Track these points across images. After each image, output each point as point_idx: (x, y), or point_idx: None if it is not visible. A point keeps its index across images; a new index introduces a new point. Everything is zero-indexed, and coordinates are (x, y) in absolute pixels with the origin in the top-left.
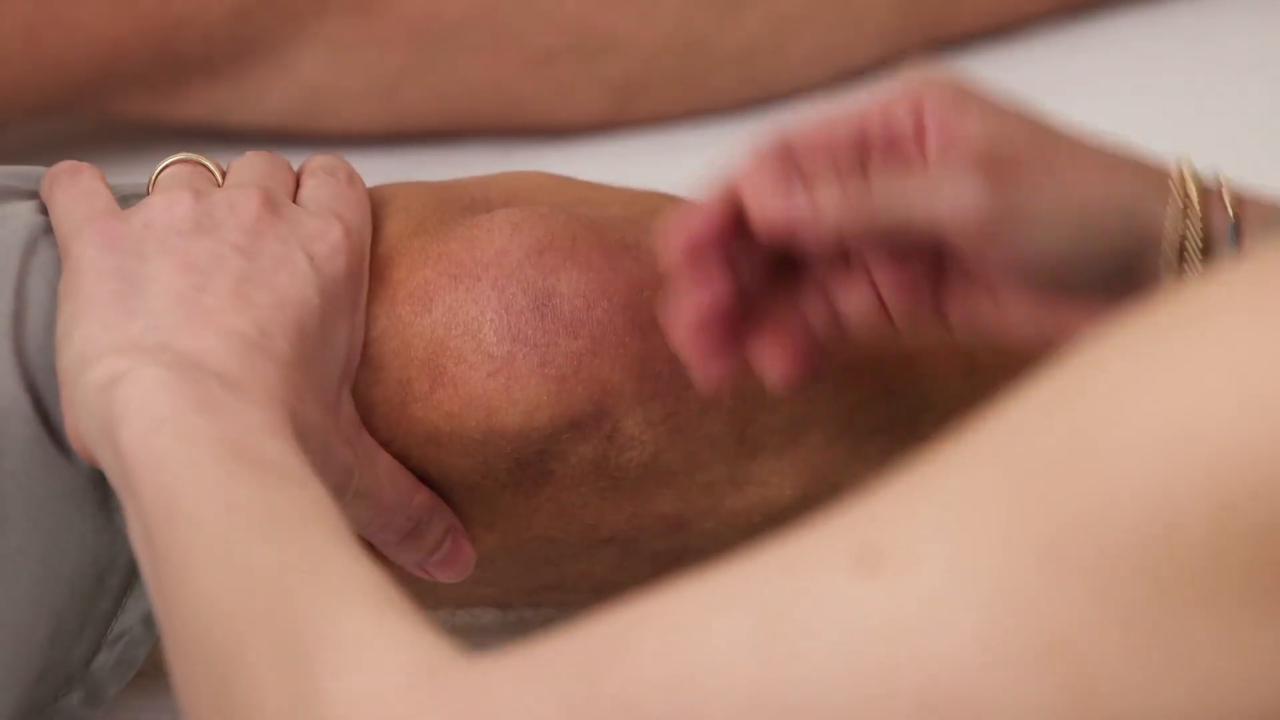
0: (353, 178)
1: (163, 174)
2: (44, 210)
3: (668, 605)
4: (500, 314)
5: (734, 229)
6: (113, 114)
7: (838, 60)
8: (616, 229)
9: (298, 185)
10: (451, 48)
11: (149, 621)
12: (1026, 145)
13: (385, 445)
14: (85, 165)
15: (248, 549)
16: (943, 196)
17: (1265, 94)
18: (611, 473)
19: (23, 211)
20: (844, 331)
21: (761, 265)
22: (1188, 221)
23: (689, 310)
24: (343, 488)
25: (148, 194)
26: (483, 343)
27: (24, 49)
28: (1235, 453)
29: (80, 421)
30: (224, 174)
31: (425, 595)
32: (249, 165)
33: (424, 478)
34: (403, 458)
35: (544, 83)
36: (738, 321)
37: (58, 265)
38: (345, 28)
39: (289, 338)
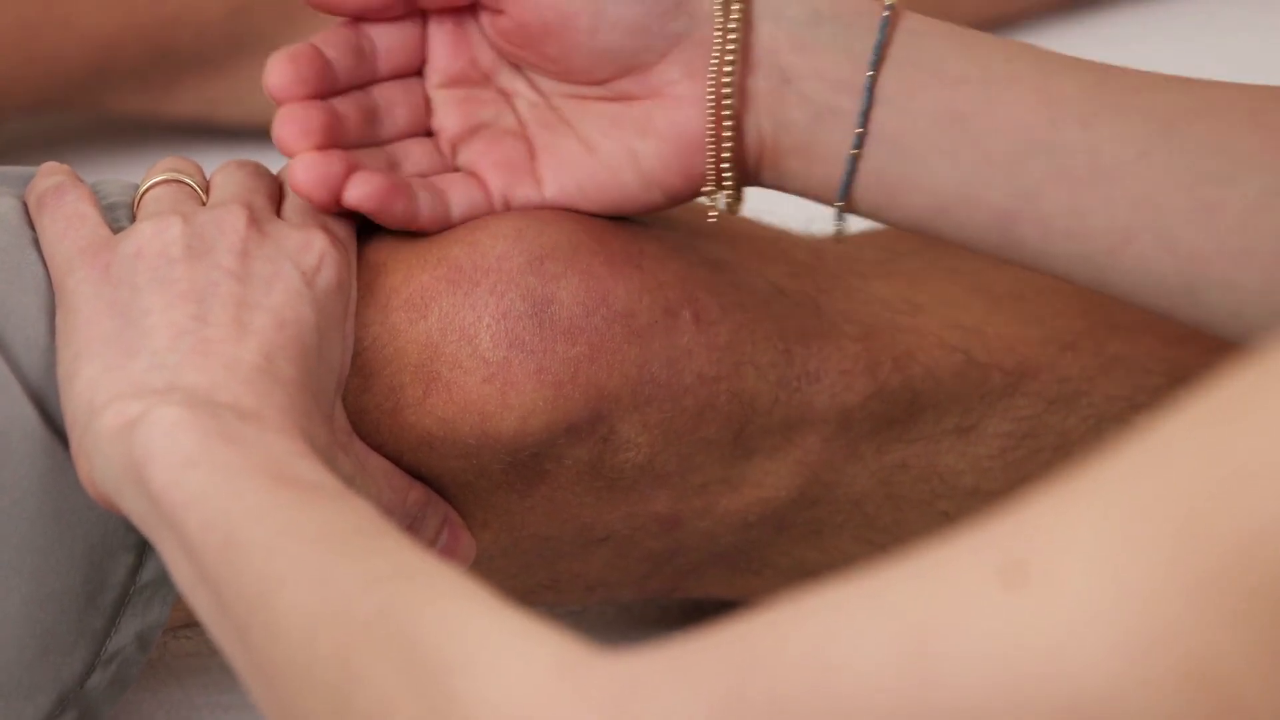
0: None
1: (147, 196)
2: (29, 213)
3: (817, 610)
4: (498, 320)
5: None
6: (107, 111)
7: None
8: (622, 238)
9: (282, 194)
10: None
11: (143, 640)
12: None
13: (376, 449)
14: (69, 182)
15: (331, 566)
16: None
17: None
18: (606, 474)
19: (8, 215)
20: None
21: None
22: None
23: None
24: None
25: (133, 213)
26: (479, 348)
27: (19, 46)
28: None
29: (95, 468)
30: (207, 188)
31: None
32: (231, 178)
33: (416, 478)
34: (394, 461)
35: None
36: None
37: (45, 276)
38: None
39: (291, 359)
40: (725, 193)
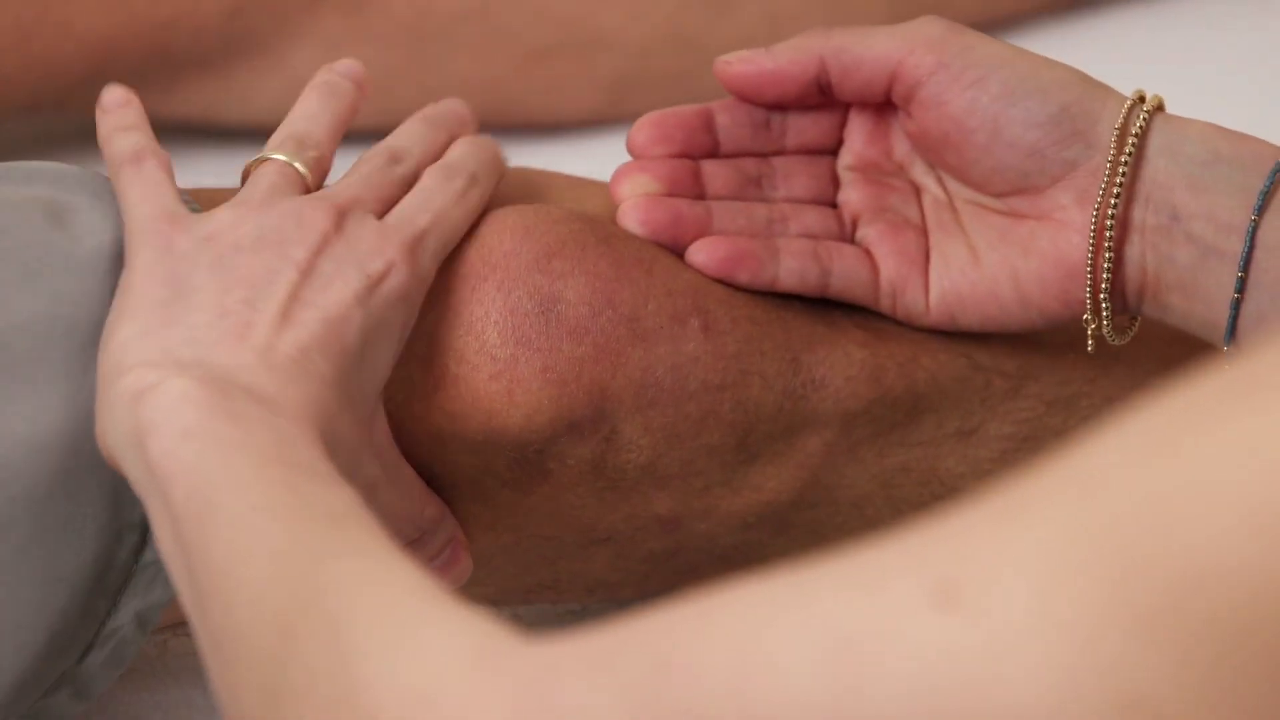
0: (474, 180)
1: (256, 171)
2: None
3: (736, 611)
4: (505, 316)
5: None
6: None
7: None
8: (634, 242)
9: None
10: (444, 44)
11: (141, 620)
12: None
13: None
14: (148, 147)
15: (289, 543)
16: (899, 29)
17: (1257, 90)
18: (608, 474)
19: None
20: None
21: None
22: (1136, 109)
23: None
24: (368, 500)
25: (244, 176)
26: (486, 344)
27: (15, 47)
28: None
29: (107, 429)
30: (324, 169)
31: None
32: (362, 179)
33: (429, 475)
34: (408, 454)
35: (536, 80)
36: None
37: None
38: (338, 25)
39: (329, 357)
40: (1105, 321)
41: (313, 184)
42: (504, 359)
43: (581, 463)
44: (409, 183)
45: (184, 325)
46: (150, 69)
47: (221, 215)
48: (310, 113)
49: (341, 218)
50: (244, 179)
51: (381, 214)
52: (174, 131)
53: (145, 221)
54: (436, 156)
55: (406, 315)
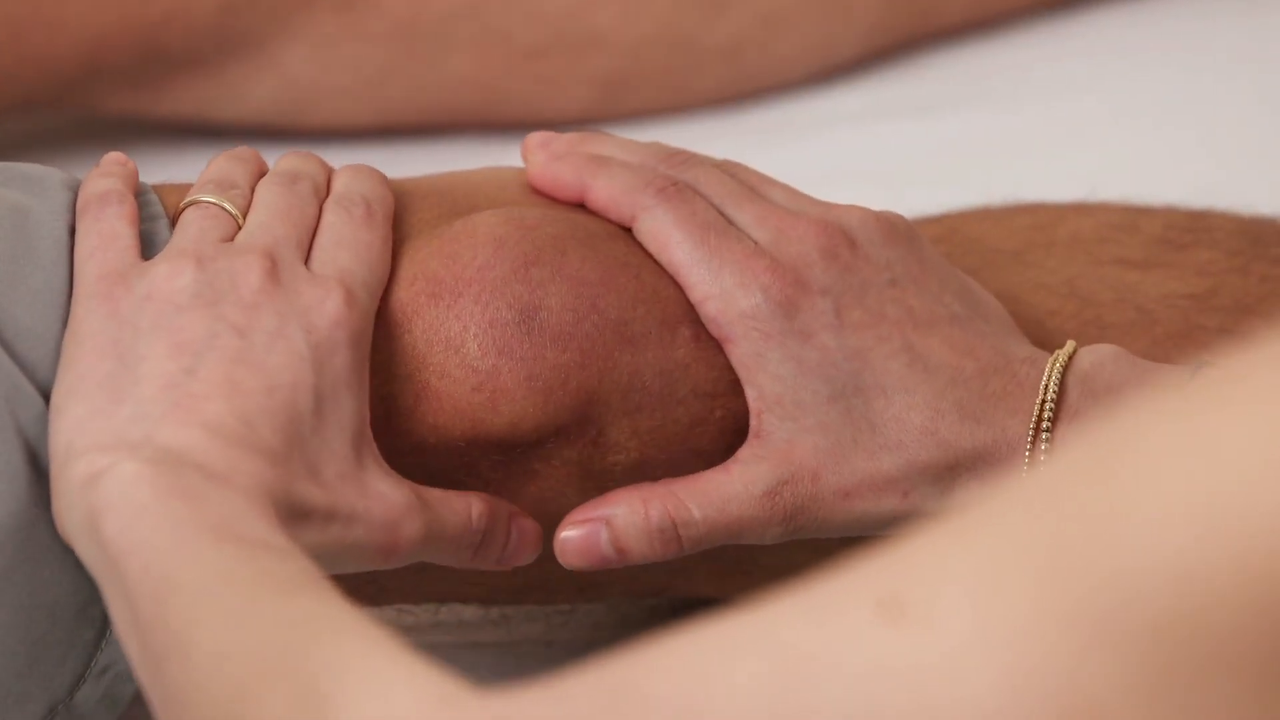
0: (371, 210)
1: (182, 217)
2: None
3: (689, 642)
4: (484, 329)
5: None
6: (98, 109)
7: (824, 55)
8: (620, 244)
9: (317, 227)
10: (437, 43)
11: None
12: (828, 456)
13: None
14: (116, 193)
15: (249, 610)
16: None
17: (1250, 87)
18: (596, 475)
19: (51, 226)
20: None
21: None
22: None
23: None
24: (392, 544)
25: (171, 224)
26: (466, 357)
27: (9, 45)
28: (1260, 530)
29: (62, 512)
30: (246, 211)
31: (408, 590)
32: (267, 210)
33: (408, 478)
34: (389, 463)
35: (529, 78)
36: None
37: (49, 281)
38: (331, 23)
39: (278, 427)
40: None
41: (242, 222)
42: (485, 370)
43: (568, 464)
44: (318, 201)
45: (131, 401)
46: (143, 67)
47: (159, 269)
48: (224, 165)
49: (273, 266)
50: (173, 223)
51: (305, 243)
52: (167, 130)
53: (92, 283)
54: (324, 186)
55: (359, 357)
